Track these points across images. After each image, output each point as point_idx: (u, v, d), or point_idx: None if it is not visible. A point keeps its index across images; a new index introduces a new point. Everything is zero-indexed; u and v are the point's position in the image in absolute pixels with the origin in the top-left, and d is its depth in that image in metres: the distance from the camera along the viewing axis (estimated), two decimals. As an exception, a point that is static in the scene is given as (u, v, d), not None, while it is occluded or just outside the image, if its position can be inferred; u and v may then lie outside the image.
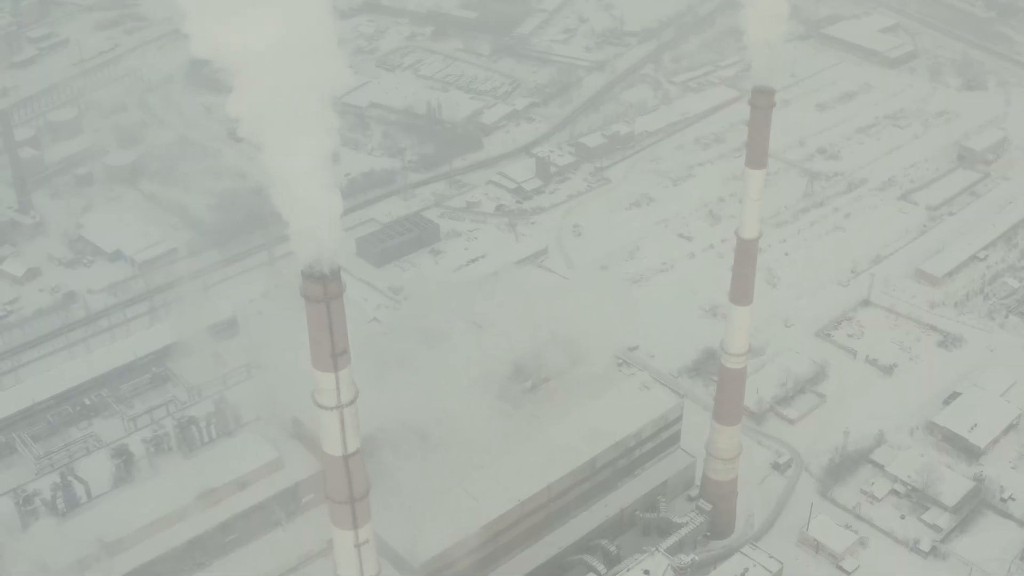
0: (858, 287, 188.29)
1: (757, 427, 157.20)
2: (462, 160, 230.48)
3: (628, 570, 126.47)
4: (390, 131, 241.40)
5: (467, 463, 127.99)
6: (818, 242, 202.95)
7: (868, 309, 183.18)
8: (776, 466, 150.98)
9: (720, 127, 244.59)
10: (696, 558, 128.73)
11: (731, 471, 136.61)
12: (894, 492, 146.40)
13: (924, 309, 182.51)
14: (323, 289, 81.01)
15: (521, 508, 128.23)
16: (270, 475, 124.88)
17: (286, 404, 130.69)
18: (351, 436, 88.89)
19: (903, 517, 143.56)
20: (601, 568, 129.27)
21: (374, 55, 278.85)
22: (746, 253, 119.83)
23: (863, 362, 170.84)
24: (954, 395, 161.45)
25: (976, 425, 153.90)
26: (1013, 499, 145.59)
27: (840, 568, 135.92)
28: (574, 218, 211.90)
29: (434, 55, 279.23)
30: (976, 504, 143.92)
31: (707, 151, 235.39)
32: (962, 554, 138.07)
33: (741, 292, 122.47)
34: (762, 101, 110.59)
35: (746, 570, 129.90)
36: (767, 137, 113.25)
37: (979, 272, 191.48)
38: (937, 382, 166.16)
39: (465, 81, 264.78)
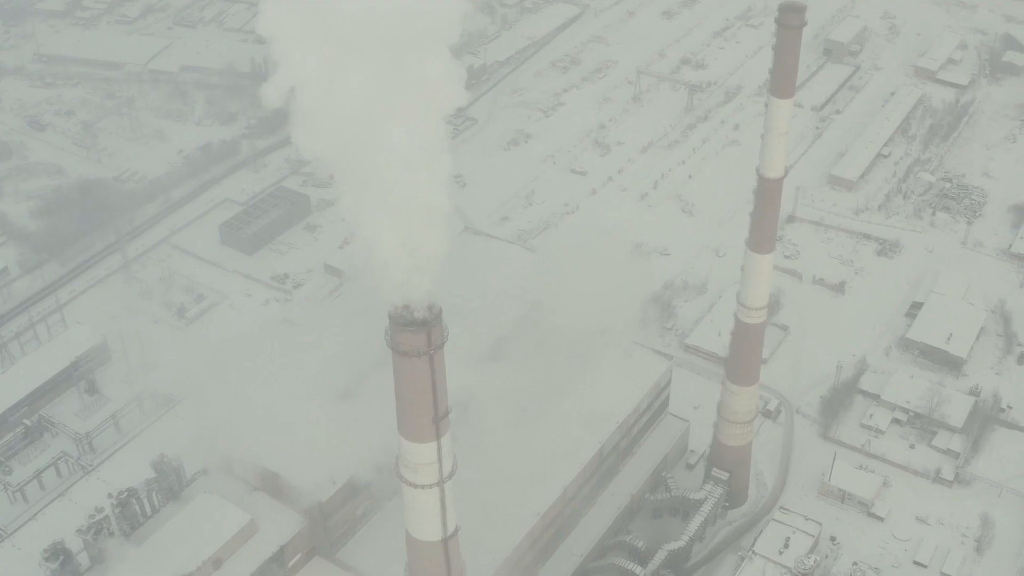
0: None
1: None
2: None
3: None
4: (213, 96, 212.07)
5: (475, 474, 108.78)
6: (716, 159, 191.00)
7: (796, 225, 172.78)
8: (767, 414, 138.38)
9: (571, 47, 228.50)
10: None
11: (747, 435, 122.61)
12: (896, 421, 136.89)
13: (850, 217, 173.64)
14: (427, 339, 60.06)
15: (541, 522, 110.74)
16: (247, 542, 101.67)
17: (240, 447, 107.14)
18: (451, 514, 68.68)
19: (912, 447, 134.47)
20: (638, 570, 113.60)
21: (166, 12, 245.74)
22: (769, 194, 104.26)
23: (811, 284, 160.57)
24: (915, 305, 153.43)
25: (951, 335, 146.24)
26: (1011, 407, 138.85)
27: (872, 515, 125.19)
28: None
29: (237, 3, 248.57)
30: (981, 420, 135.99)
31: (567, 75, 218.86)
32: (985, 476, 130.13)
33: (763, 238, 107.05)
34: (793, 20, 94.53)
35: (787, 539, 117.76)
36: (796, 61, 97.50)
37: (889, 170, 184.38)
38: (893, 294, 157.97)
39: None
